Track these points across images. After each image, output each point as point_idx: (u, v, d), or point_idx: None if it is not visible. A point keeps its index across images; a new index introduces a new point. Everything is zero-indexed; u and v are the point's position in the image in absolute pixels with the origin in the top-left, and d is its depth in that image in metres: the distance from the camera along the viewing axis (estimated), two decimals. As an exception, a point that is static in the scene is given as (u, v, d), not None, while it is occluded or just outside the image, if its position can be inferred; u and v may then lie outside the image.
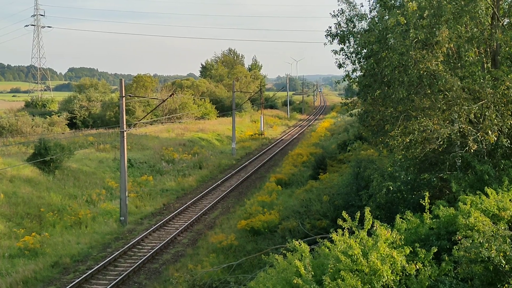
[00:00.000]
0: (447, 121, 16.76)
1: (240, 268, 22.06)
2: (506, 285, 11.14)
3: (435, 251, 11.80)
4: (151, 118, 75.16)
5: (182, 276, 22.58)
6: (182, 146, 58.10)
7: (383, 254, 11.28)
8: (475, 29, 17.23)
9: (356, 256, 11.15)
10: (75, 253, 27.12)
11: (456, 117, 16.65)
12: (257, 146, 69.67)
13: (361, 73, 24.52)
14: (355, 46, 23.69)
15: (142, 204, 37.75)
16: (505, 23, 18.36)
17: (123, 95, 33.17)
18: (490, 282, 11.40)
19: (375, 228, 12.15)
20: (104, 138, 56.61)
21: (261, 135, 79.29)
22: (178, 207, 37.11)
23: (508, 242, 11.67)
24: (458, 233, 12.38)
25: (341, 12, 23.48)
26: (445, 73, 16.44)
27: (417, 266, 11.38)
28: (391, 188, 17.51)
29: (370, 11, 24.15)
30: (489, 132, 15.93)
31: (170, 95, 51.91)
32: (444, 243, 12.55)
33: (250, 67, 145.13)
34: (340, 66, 24.19)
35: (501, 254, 11.30)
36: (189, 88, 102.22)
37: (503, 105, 16.51)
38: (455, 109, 16.36)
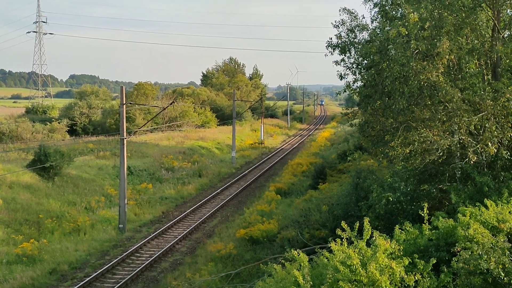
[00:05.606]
0: (447, 132, 16.77)
1: (238, 277, 22.01)
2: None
3: (434, 262, 11.77)
4: (151, 126, 75.18)
5: (180, 285, 22.53)
6: (182, 154, 58.08)
7: (382, 264, 11.26)
8: (475, 41, 17.28)
9: (355, 267, 11.13)
10: (73, 260, 27.06)
11: (456, 128, 16.67)
12: (257, 155, 69.66)
13: (362, 84, 24.57)
14: (356, 57, 23.75)
15: (141, 211, 37.69)
16: (505, 35, 18.42)
17: (124, 102, 33.22)
18: (489, 294, 11.38)
19: (374, 238, 12.12)
20: (104, 145, 56.59)
21: (261, 144, 79.30)
22: (177, 215, 37.06)
23: (507, 254, 11.65)
24: (457, 244, 12.35)
25: (342, 22, 23.55)
26: (445, 85, 16.46)
27: (416, 277, 11.35)
28: (391, 199, 17.49)
29: (372, 22, 24.25)
30: (489, 144, 15.93)
31: (171, 103, 52.13)
32: (443, 255, 12.52)
33: (251, 76, 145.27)
34: (341, 77, 24.23)
35: (500, 266, 11.28)
36: (190, 96, 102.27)
37: (503, 117, 16.52)
38: (455, 120, 16.37)
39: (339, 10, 23.63)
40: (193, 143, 66.45)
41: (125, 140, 33.52)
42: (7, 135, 65.20)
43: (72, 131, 77.97)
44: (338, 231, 12.59)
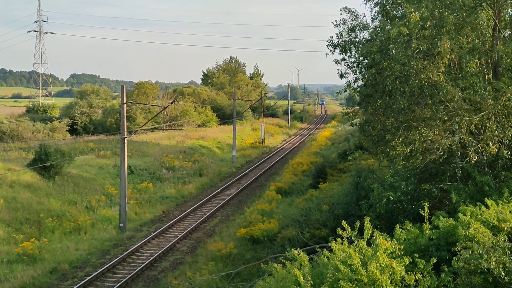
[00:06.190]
0: (448, 132, 16.77)
1: (239, 276, 22.01)
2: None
3: (434, 261, 11.76)
4: (152, 125, 75.22)
5: (181, 284, 22.53)
6: (182, 153, 58.09)
7: (383, 264, 11.25)
8: (476, 40, 17.28)
9: (355, 266, 11.12)
10: (74, 259, 27.05)
11: (457, 127, 16.66)
12: (257, 154, 69.65)
13: (363, 83, 24.56)
14: (357, 56, 23.74)
15: (142, 211, 37.69)
16: (506, 35, 18.41)
17: (125, 101, 33.21)
18: (489, 293, 11.37)
19: (374, 238, 12.12)
20: (104, 144, 56.61)
21: (262, 143, 79.29)
22: (177, 214, 37.06)
23: (507, 253, 11.64)
24: (457, 244, 12.35)
25: (343, 22, 23.54)
26: (446, 84, 16.47)
27: (417, 277, 11.34)
28: (391, 198, 17.49)
29: (372, 21, 24.23)
30: (490, 143, 15.93)
31: (171, 102, 52.09)
32: (443, 254, 12.52)
33: (251, 75, 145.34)
34: (342, 76, 24.22)
35: (500, 265, 11.28)
36: (190, 95, 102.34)
37: (504, 116, 16.53)
38: (456, 119, 16.37)
39: (340, 9, 23.63)
40: (194, 142, 66.46)
41: (125, 139, 33.51)
42: (8, 134, 65.26)
43: (72, 130, 78.03)
44: (339, 231, 12.58)
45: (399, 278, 11.20)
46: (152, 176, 47.72)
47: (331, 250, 12.17)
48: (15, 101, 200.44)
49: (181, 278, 23.77)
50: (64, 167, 40.11)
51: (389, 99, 19.01)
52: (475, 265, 11.33)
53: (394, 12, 21.51)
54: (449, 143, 16.19)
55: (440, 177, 18.08)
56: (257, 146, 76.73)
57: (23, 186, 35.63)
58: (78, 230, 31.64)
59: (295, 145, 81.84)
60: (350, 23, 23.54)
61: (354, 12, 23.57)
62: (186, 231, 32.64)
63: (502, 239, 12.59)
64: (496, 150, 16.07)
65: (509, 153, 16.30)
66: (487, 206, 13.93)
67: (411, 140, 16.16)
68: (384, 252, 11.55)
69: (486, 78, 17.83)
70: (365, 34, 23.85)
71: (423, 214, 13.82)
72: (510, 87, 16.31)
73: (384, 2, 22.16)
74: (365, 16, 24.11)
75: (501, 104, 16.22)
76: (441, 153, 16.25)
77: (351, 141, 57.40)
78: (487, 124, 16.23)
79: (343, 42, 23.64)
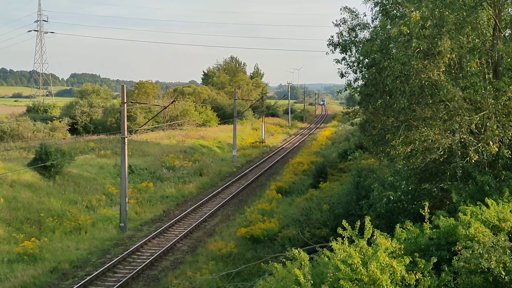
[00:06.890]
0: (448, 131, 16.77)
1: (239, 276, 22.01)
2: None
3: (434, 261, 11.76)
4: (152, 125, 75.22)
5: (181, 284, 22.55)
6: (182, 153, 58.09)
7: (383, 263, 11.25)
8: (476, 40, 17.27)
9: (356, 265, 11.12)
10: (74, 258, 27.06)
11: (457, 127, 16.67)
12: (258, 154, 69.64)
13: (363, 83, 24.57)
14: (357, 55, 23.74)
15: (142, 210, 37.69)
16: (506, 34, 18.40)
17: (125, 101, 33.20)
18: (489, 293, 11.37)
19: (375, 237, 12.12)
20: (105, 144, 56.59)
21: (262, 143, 79.28)
22: (178, 214, 37.07)
23: (508, 253, 11.64)
24: (458, 243, 12.35)
25: (343, 21, 23.54)
26: (446, 83, 16.46)
27: (417, 276, 11.34)
28: (392, 198, 17.49)
29: (372, 21, 24.24)
30: (490, 142, 15.93)
31: (172, 102, 52.09)
32: (444, 254, 12.51)
33: (252, 75, 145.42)
34: (342, 75, 24.22)
35: (501, 265, 11.27)
36: (191, 95, 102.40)
37: (504, 116, 16.52)
38: (456, 119, 16.38)
39: (340, 9, 23.64)
40: (194, 142, 66.46)
41: (126, 139, 33.50)
42: (8, 133, 65.31)
43: (73, 130, 78.11)
44: (339, 230, 12.57)
45: (399, 278, 11.20)
46: (152, 176, 47.72)
47: (331, 250, 12.17)
48: (15, 101, 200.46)
49: (181, 278, 23.78)
50: (65, 167, 40.12)
51: (390, 99, 19.02)
52: (475, 265, 11.33)
53: (394, 11, 21.51)
54: (450, 143, 16.20)
55: (440, 177, 18.08)
56: (258, 146, 76.73)
57: (23, 185, 35.63)
58: (79, 229, 31.64)
59: (295, 145, 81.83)
60: (351, 23, 23.55)
61: (355, 12, 23.58)
62: (187, 230, 32.65)
63: (503, 239, 12.59)
64: (497, 149, 16.07)
65: (510, 152, 16.29)
66: (487, 206, 13.92)
67: (412, 140, 16.16)
68: (384, 252, 11.55)
69: (487, 77, 17.82)
70: (366, 34, 23.87)
71: (424, 213, 13.81)
72: (510, 87, 16.29)
73: (384, 1, 22.16)
74: (365, 16, 24.20)
75: (502, 104, 16.22)
76: (442, 153, 16.25)
77: (352, 140, 57.40)
78: (488, 124, 16.23)
79: (343, 42, 23.65)
